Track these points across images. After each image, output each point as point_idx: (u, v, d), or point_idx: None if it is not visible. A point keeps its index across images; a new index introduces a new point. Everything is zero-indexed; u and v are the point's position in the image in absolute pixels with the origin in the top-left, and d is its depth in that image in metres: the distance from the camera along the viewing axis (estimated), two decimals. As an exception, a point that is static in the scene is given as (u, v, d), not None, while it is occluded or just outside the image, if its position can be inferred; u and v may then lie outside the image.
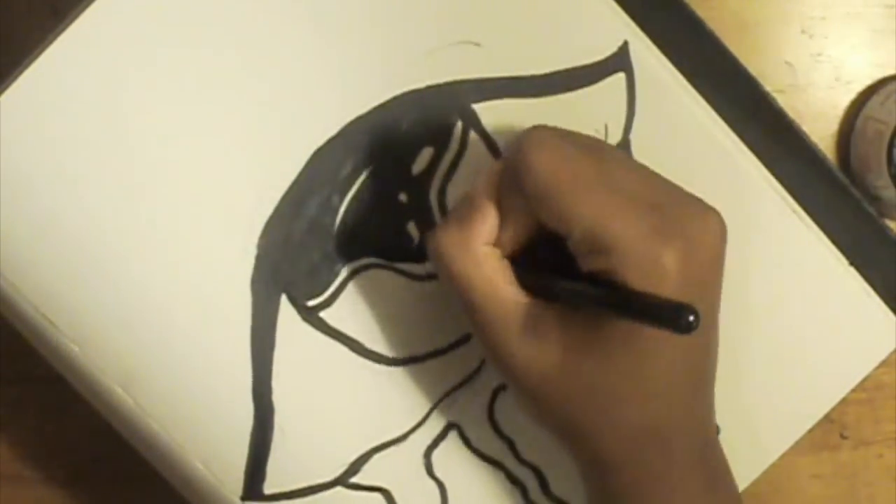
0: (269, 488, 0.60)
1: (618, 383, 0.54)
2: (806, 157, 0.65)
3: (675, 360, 0.54)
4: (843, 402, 0.64)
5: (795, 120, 0.65)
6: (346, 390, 0.61)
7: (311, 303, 0.60)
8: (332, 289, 0.60)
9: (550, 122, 0.58)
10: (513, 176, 0.55)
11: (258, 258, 0.59)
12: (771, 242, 0.64)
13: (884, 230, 0.65)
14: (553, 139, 0.55)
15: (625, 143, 0.63)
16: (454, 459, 0.62)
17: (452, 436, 0.62)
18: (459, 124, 0.61)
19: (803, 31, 0.69)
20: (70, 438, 0.69)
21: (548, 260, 0.56)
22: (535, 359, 0.54)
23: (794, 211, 0.64)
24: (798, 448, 0.64)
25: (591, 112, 0.62)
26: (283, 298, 0.60)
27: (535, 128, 0.56)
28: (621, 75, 0.63)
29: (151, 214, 0.58)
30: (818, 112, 0.69)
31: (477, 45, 0.61)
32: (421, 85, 0.61)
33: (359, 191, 0.60)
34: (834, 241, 0.64)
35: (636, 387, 0.54)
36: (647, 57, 0.63)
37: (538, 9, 0.62)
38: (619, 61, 0.63)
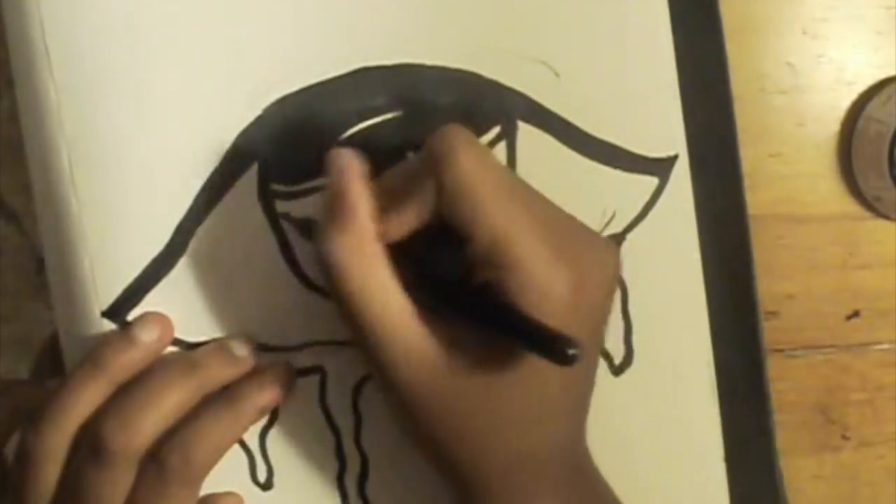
0: (133, 317, 0.59)
1: (498, 408, 0.54)
2: (752, 358, 0.66)
3: (555, 387, 0.54)
4: (845, 402, 0.63)
5: (794, 125, 0.66)
6: (254, 279, 0.60)
7: (275, 186, 0.60)
8: (301, 188, 0.60)
9: (573, 180, 0.61)
10: (427, 164, 0.54)
11: (258, 118, 0.60)
12: (678, 397, 0.65)
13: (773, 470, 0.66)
14: (478, 143, 0.55)
15: (619, 238, 0.63)
16: (299, 398, 0.61)
17: (312, 379, 0.62)
18: (497, 129, 0.62)
19: (805, 32, 0.69)
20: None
21: (434, 262, 0.56)
22: (414, 368, 0.54)
23: (712, 387, 0.65)
24: (799, 449, 0.64)
25: (610, 193, 0.63)
26: (255, 166, 0.60)
27: (458, 127, 0.55)
28: (655, 180, 0.63)
29: (181, 30, 0.59)
30: (819, 113, 0.69)
31: (557, 74, 0.62)
32: (489, 75, 0.62)
33: (377, 125, 0.61)
34: (725, 436, 0.65)
35: (516, 412, 0.54)
36: (684, 178, 0.64)
37: (624, 80, 0.63)
38: (662, 168, 0.63)
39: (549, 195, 0.58)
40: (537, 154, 0.62)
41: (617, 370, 0.64)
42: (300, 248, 0.61)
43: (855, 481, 0.69)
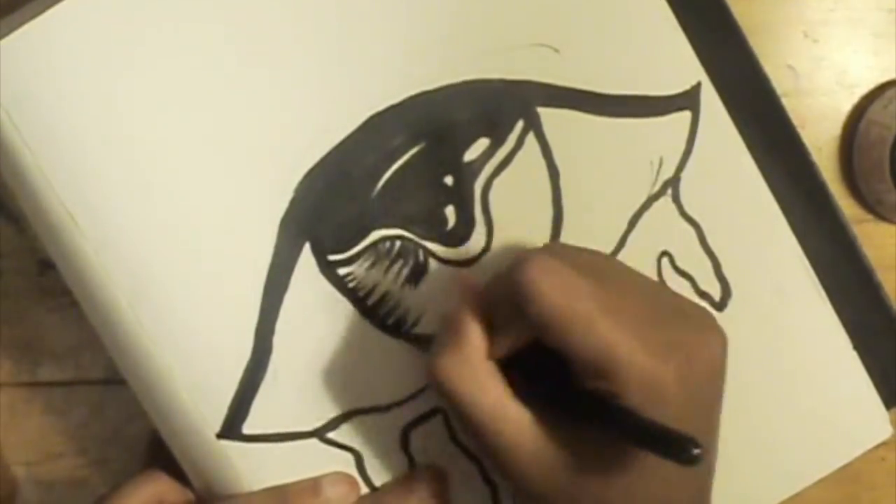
0: (248, 428, 0.60)
1: (619, 500, 0.55)
2: (840, 238, 0.66)
3: (675, 481, 0.55)
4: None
5: (800, 127, 0.66)
6: (345, 348, 0.61)
7: (332, 257, 0.61)
8: (357, 249, 0.61)
9: (609, 144, 0.61)
10: (511, 295, 0.55)
11: (293, 201, 0.60)
12: (788, 310, 0.65)
13: (893, 324, 0.67)
14: (557, 265, 0.55)
15: (675, 180, 0.64)
16: (432, 442, 0.63)
17: (437, 420, 0.63)
18: (521, 123, 0.62)
19: (806, 36, 0.70)
20: (73, 441, 0.69)
21: (539, 367, 0.56)
22: (543, 474, 0.55)
23: (815, 286, 0.65)
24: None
25: (650, 142, 0.63)
26: (307, 247, 0.60)
27: (538, 252, 0.56)
28: (687, 114, 0.64)
29: (197, 136, 0.58)
30: (821, 116, 0.70)
31: (556, 50, 0.62)
32: (494, 76, 0.61)
33: (406, 163, 0.61)
34: (844, 323, 0.66)
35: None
36: (714, 102, 0.64)
37: (621, 32, 0.63)
38: (689, 100, 0.64)
39: (593, 168, 0.60)
40: (567, 133, 0.62)
41: (720, 305, 0.64)
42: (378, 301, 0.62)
43: (857, 485, 0.70)
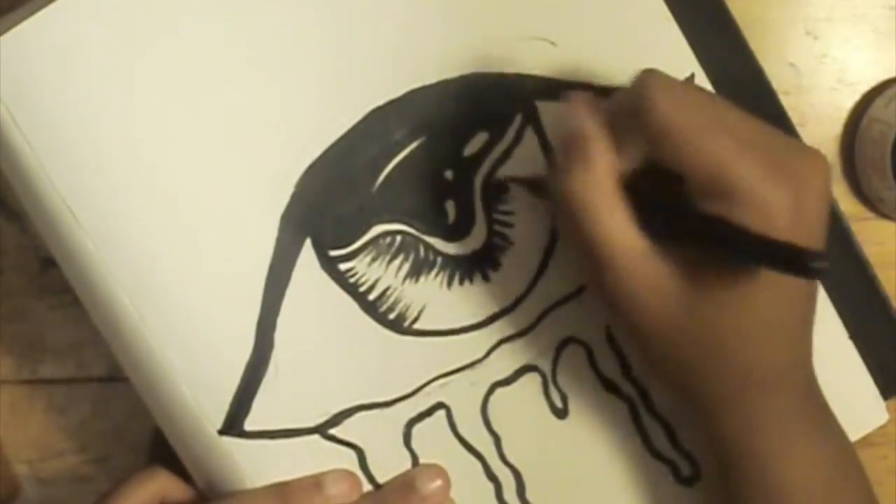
0: (250, 424, 0.60)
1: (735, 325, 0.56)
2: (835, 230, 0.66)
3: (788, 301, 0.56)
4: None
5: (796, 125, 0.66)
6: (347, 344, 0.61)
7: (333, 252, 0.61)
8: (358, 244, 0.61)
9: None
10: (629, 114, 0.55)
11: (294, 196, 0.60)
12: None
13: (890, 314, 0.67)
14: (674, 82, 0.56)
15: None
16: (434, 438, 0.63)
17: (439, 415, 0.63)
18: (519, 117, 0.62)
19: (807, 33, 0.70)
20: (75, 438, 0.69)
21: (658, 191, 0.56)
22: (658, 301, 0.56)
23: None
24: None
25: None
26: (308, 242, 0.60)
27: (654, 71, 0.56)
28: None
29: (197, 131, 0.58)
30: (822, 113, 0.70)
31: (553, 44, 0.62)
32: (492, 70, 0.62)
33: (406, 158, 0.61)
34: (840, 313, 0.66)
35: (750, 331, 0.56)
36: None
37: (617, 25, 0.63)
38: None
39: None
40: (565, 125, 0.61)
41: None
42: (379, 296, 0.62)
43: None
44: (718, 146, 0.54)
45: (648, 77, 0.55)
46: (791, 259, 0.51)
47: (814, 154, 0.56)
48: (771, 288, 0.55)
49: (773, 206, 0.53)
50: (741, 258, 0.54)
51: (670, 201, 0.56)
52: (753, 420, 0.57)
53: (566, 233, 0.58)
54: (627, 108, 0.56)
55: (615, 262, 0.55)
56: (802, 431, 0.58)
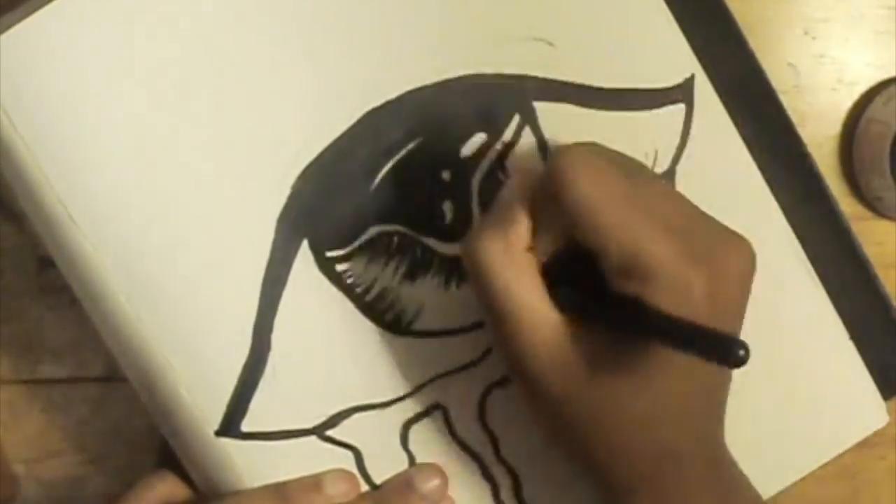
0: (247, 426, 0.60)
1: (641, 407, 0.55)
2: (836, 229, 0.66)
3: (698, 384, 0.55)
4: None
5: (795, 125, 0.66)
6: (344, 345, 0.61)
7: (330, 253, 0.61)
8: (355, 245, 0.61)
9: (606, 137, 0.60)
10: (549, 188, 0.55)
11: (290, 198, 0.60)
12: (784, 300, 0.65)
13: (890, 315, 0.67)
14: (593, 158, 0.55)
15: (670, 173, 0.64)
16: (431, 438, 0.63)
17: (436, 416, 0.63)
18: (517, 118, 0.62)
19: (806, 33, 0.69)
20: (73, 438, 0.69)
21: (574, 273, 0.56)
22: (563, 375, 0.55)
23: (812, 277, 0.65)
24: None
25: (645, 135, 0.63)
26: (305, 243, 0.60)
27: (577, 144, 0.57)
28: (682, 106, 0.64)
29: (194, 133, 0.59)
30: (821, 113, 0.69)
31: (551, 45, 0.62)
32: (489, 71, 0.62)
33: (403, 158, 0.61)
34: (841, 314, 0.66)
35: (659, 411, 0.55)
36: (709, 94, 0.64)
37: (616, 25, 0.63)
38: (683, 93, 0.64)
39: None
40: (563, 126, 0.62)
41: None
42: (376, 297, 0.62)
43: (856, 482, 0.70)
44: (633, 226, 0.53)
45: (566, 154, 0.55)
46: (713, 345, 0.50)
47: (737, 240, 0.56)
48: (678, 371, 0.54)
49: (687, 290, 0.53)
50: (658, 341, 0.53)
51: (589, 282, 0.55)
52: (661, 500, 0.56)
53: (477, 297, 0.57)
54: (547, 183, 0.55)
55: (521, 328, 0.55)
56: None
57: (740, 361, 0.49)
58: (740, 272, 0.55)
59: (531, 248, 0.56)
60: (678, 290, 0.53)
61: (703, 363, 0.50)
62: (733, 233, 0.56)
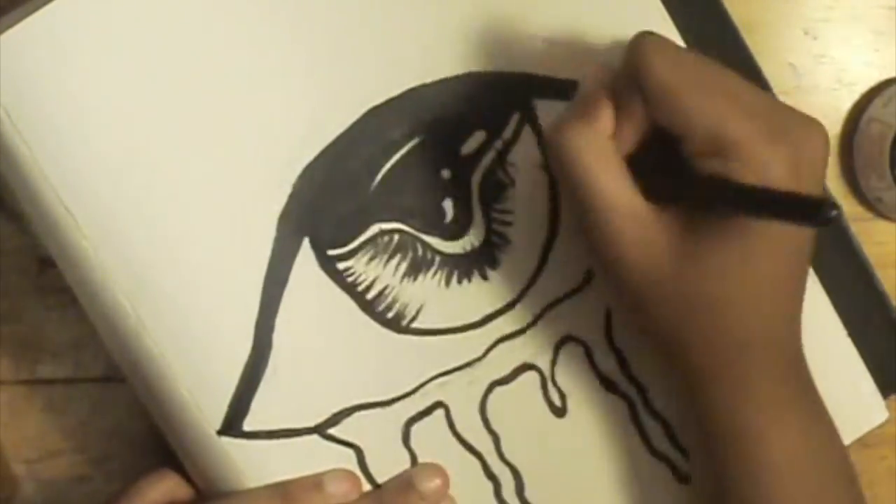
0: (248, 425, 0.60)
1: (727, 289, 0.56)
2: (836, 230, 0.66)
3: (783, 267, 0.56)
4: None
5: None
6: (345, 344, 0.61)
7: (331, 252, 0.61)
8: (356, 244, 0.61)
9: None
10: (630, 76, 0.56)
11: (291, 196, 0.60)
12: None
13: (889, 313, 0.67)
14: (669, 44, 0.57)
15: None
16: (433, 437, 0.63)
17: (438, 414, 0.63)
18: (517, 116, 0.62)
19: (806, 33, 0.70)
20: (73, 438, 0.69)
21: (659, 161, 0.57)
22: (650, 260, 0.56)
23: (811, 277, 0.65)
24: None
25: None
26: (306, 242, 0.60)
27: (651, 33, 0.57)
28: None
29: (195, 131, 0.58)
30: (821, 114, 0.66)
31: (551, 43, 0.62)
32: (489, 69, 0.62)
33: (404, 157, 0.61)
34: (841, 314, 0.66)
35: (745, 294, 0.56)
36: None
37: (614, 24, 0.63)
38: None
39: None
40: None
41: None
42: (377, 295, 0.62)
43: None
44: (715, 105, 0.54)
45: (643, 40, 0.56)
46: (802, 207, 0.51)
47: (813, 121, 0.57)
48: (766, 248, 0.55)
49: (770, 166, 0.54)
50: (746, 213, 0.54)
51: (672, 168, 0.56)
52: (742, 395, 0.57)
53: (564, 186, 0.59)
54: (626, 72, 0.56)
55: (607, 215, 0.56)
56: (791, 409, 0.58)
57: (832, 219, 0.49)
58: (819, 150, 0.56)
59: (615, 137, 0.57)
60: (761, 165, 0.54)
61: (787, 245, 0.53)
62: (810, 117, 0.57)
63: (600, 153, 0.56)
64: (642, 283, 0.56)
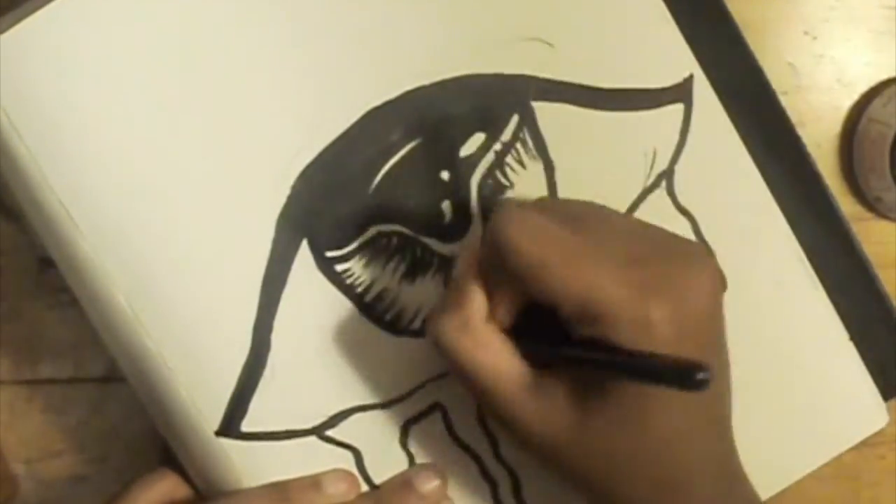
0: (246, 426, 0.60)
1: (630, 440, 0.55)
2: (835, 229, 0.66)
3: (687, 409, 0.55)
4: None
5: (795, 125, 0.66)
6: (343, 345, 0.61)
7: (329, 253, 0.61)
8: (354, 245, 0.61)
9: (604, 137, 0.61)
10: (495, 255, 0.55)
11: (290, 197, 0.60)
12: (784, 300, 0.65)
13: (890, 314, 0.67)
14: (529, 215, 0.55)
15: (669, 173, 0.64)
16: (431, 439, 0.63)
17: (435, 416, 0.63)
18: (516, 118, 0.62)
19: (806, 33, 0.70)
20: (73, 438, 0.69)
21: (541, 324, 0.56)
22: (548, 427, 0.55)
23: (810, 276, 0.65)
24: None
25: (644, 135, 0.63)
26: (304, 243, 0.60)
27: (509, 205, 0.58)
28: (680, 106, 0.64)
29: (194, 132, 0.59)
30: (820, 114, 0.69)
31: (550, 45, 0.62)
32: (488, 71, 0.62)
33: (403, 158, 0.61)
34: (841, 314, 0.66)
35: (650, 441, 0.55)
36: (707, 94, 0.64)
37: (614, 25, 0.63)
38: (681, 92, 0.64)
39: (588, 161, 0.61)
40: (561, 127, 0.62)
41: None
42: (375, 297, 0.62)
43: (856, 482, 0.70)
44: (583, 275, 0.53)
45: (502, 217, 0.55)
46: (674, 374, 0.50)
47: (699, 260, 0.55)
48: (667, 401, 0.54)
49: (649, 324, 0.53)
50: (627, 377, 0.54)
51: (552, 332, 0.56)
52: None
53: (453, 374, 0.58)
54: (492, 251, 0.56)
55: (494, 390, 0.56)
56: None
57: (702, 384, 0.49)
58: (705, 293, 0.54)
59: (493, 313, 0.57)
60: (638, 325, 0.53)
61: (689, 393, 0.50)
62: (695, 252, 0.56)
63: (476, 335, 0.56)
64: (548, 449, 0.56)
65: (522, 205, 0.57)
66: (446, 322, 0.56)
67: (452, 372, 0.57)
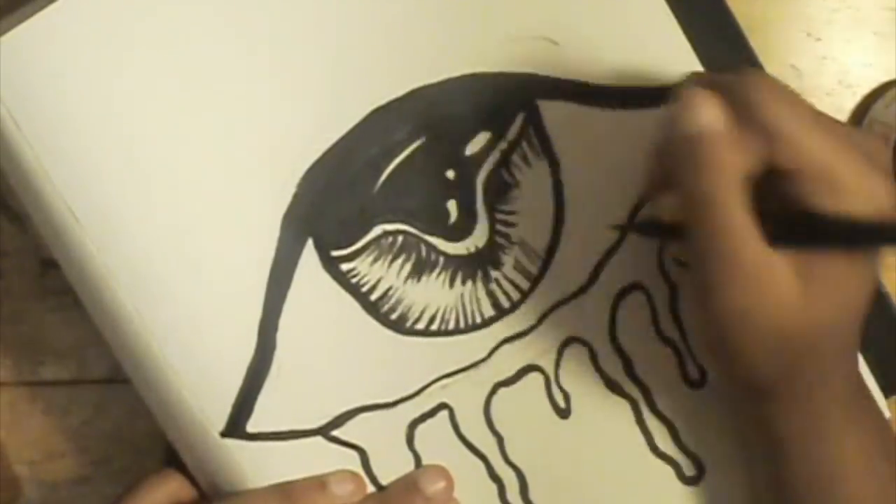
0: (252, 427, 0.60)
1: (837, 323, 0.57)
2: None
3: (865, 298, 0.57)
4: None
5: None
6: (349, 345, 0.61)
7: (335, 253, 0.61)
8: (359, 245, 0.61)
9: (610, 135, 0.61)
10: (744, 115, 0.55)
11: (295, 196, 0.60)
12: None
13: (891, 313, 0.67)
14: (779, 84, 0.56)
15: None
16: (437, 438, 0.63)
17: (442, 416, 0.63)
18: (521, 117, 0.62)
19: (808, 35, 0.70)
20: (76, 440, 0.69)
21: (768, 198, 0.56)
22: (771, 309, 0.55)
23: None
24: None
25: (649, 133, 0.61)
26: (310, 242, 0.60)
27: (759, 74, 0.58)
28: None
29: (198, 132, 0.58)
30: (823, 115, 0.70)
31: (555, 43, 0.62)
32: (493, 70, 0.62)
33: (408, 157, 0.61)
34: None
35: (847, 323, 0.57)
36: None
37: (619, 24, 0.63)
38: None
39: (593, 159, 0.61)
40: (568, 126, 0.62)
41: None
42: (381, 296, 0.62)
43: None
44: (826, 140, 0.54)
45: (758, 81, 0.56)
46: None
47: (880, 141, 0.58)
48: (866, 278, 0.57)
49: (875, 198, 0.54)
50: (864, 245, 0.55)
51: (781, 204, 0.55)
52: (812, 403, 0.57)
53: (690, 226, 0.57)
54: (738, 110, 0.55)
55: (734, 261, 0.55)
56: (853, 418, 0.58)
57: None
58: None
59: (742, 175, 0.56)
60: (869, 198, 0.54)
61: (874, 276, 0.56)
62: (876, 139, 0.58)
63: (729, 199, 0.55)
64: (761, 328, 0.55)
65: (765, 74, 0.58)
66: (709, 177, 0.55)
67: (694, 228, 0.56)
